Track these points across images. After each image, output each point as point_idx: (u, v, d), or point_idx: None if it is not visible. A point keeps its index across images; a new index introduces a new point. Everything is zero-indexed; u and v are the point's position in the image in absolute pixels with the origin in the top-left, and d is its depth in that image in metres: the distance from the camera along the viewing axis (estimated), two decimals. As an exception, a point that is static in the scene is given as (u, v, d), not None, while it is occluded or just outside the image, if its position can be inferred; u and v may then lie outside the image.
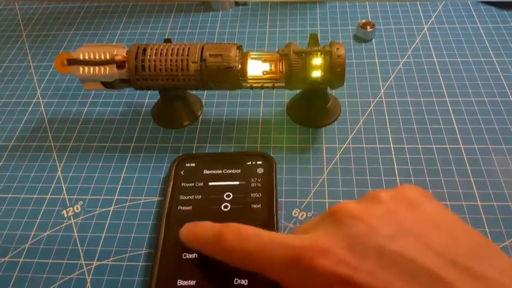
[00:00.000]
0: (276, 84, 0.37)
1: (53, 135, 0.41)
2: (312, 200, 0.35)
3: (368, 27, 0.48)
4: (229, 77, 0.36)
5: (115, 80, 0.37)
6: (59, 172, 0.38)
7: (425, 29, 0.49)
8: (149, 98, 0.44)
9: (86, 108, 0.44)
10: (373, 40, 0.48)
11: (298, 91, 0.41)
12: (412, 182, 0.35)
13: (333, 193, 0.35)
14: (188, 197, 0.34)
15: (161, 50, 0.36)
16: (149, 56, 0.36)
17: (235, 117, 0.42)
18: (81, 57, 0.36)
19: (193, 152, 0.39)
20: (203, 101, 0.43)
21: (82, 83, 0.38)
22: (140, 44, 0.37)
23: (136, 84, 0.37)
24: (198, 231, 0.28)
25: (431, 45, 0.47)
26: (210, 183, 0.35)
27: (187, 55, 0.36)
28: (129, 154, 0.39)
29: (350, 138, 0.39)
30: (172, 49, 0.36)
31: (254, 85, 0.37)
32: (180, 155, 0.38)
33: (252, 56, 0.37)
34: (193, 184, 0.35)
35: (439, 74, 0.44)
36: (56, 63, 0.37)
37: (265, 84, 0.37)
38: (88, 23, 0.54)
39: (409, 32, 0.49)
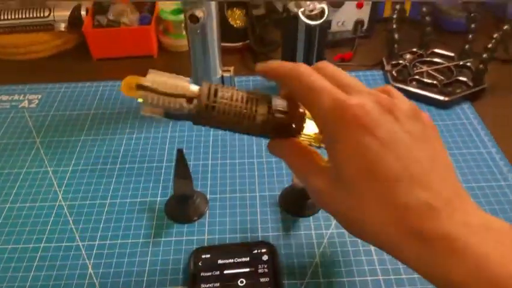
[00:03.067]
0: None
1: (79, 235, 0.48)
2: (310, 280, 0.43)
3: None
4: (288, 133, 0.37)
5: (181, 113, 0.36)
6: (90, 268, 0.44)
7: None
8: (161, 196, 0.51)
9: (105, 209, 0.50)
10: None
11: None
12: (387, 259, 0.44)
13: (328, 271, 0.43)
14: (208, 285, 0.42)
15: (231, 95, 0.35)
16: (220, 98, 0.35)
17: (237, 211, 0.50)
18: (151, 85, 0.35)
19: (205, 243, 0.47)
20: (208, 196, 0.51)
21: (141, 106, 0.36)
22: (211, 84, 0.36)
23: (200, 121, 0.36)
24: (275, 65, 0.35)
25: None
26: (225, 272, 0.43)
27: (256, 106, 0.35)
28: (150, 249, 0.46)
29: (333, 225, 0.48)
30: (242, 97, 0.36)
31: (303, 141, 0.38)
32: (196, 247, 0.45)
33: (308, 116, 0.38)
34: (210, 273, 0.43)
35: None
36: (123, 85, 0.35)
37: (313, 143, 0.39)
38: (96, 128, 0.61)
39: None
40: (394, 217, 0.27)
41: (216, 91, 0.35)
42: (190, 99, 0.35)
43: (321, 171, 0.32)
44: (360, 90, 0.30)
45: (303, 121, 0.37)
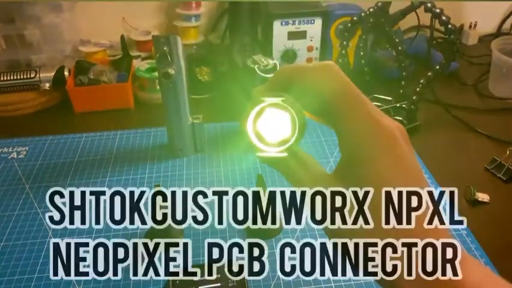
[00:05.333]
0: None
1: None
2: (272, 290, 0.50)
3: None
4: None
5: None
6: (80, 293, 0.50)
7: (332, 160, 0.70)
8: (141, 229, 0.58)
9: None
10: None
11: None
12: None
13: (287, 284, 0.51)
14: (186, 298, 0.48)
15: None
16: None
17: (209, 237, 0.57)
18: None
19: (182, 266, 0.53)
20: (183, 227, 0.59)
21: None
22: None
23: None
24: None
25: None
26: (201, 287, 0.50)
27: None
28: (132, 274, 0.53)
29: (292, 244, 0.56)
30: None
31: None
32: (174, 269, 0.52)
33: None
34: (189, 288, 0.49)
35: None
36: None
37: None
38: (80, 174, 0.69)
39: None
40: None
41: None
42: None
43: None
44: None
45: None
